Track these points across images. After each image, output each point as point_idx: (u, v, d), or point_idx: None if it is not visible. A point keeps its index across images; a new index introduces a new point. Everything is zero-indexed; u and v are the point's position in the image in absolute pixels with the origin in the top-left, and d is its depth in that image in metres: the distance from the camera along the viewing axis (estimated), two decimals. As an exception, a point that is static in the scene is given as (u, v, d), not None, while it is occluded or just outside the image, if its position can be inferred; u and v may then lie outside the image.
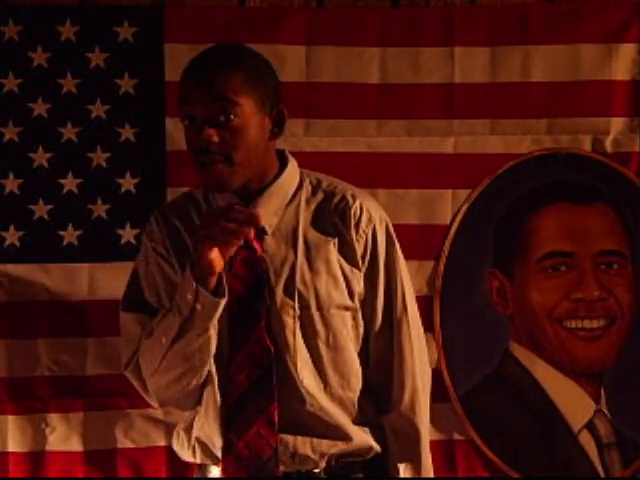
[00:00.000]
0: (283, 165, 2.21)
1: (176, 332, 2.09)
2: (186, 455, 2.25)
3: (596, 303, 3.00)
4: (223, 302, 2.07)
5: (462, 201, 3.00)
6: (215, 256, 2.02)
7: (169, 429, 2.94)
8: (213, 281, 2.05)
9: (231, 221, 1.99)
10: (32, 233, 2.93)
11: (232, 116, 2.07)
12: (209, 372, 2.16)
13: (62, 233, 2.94)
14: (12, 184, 2.93)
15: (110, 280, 2.94)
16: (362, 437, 2.18)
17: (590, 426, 3.02)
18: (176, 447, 2.28)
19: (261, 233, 2.15)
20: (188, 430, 2.23)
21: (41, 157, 2.94)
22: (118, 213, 2.95)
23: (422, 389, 2.23)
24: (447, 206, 3.01)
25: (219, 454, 2.16)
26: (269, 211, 2.16)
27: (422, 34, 3.01)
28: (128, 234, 2.95)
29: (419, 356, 2.23)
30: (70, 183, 2.95)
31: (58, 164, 2.94)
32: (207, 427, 2.18)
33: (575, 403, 3.01)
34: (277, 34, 2.94)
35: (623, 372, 3.01)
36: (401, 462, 2.19)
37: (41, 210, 2.94)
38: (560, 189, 3.01)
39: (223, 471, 2.15)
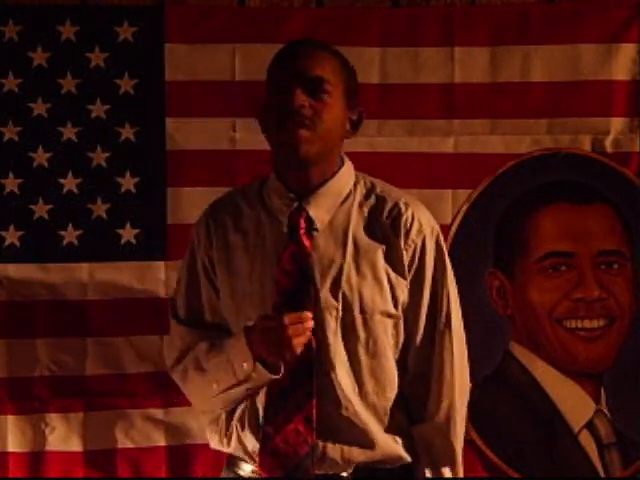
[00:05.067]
0: (340, 165, 2.23)
1: (228, 386, 2.15)
2: (218, 443, 2.25)
3: (596, 303, 3.00)
4: (277, 377, 2.11)
5: (462, 201, 3.01)
6: (277, 360, 2.10)
7: (169, 429, 2.95)
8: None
9: (289, 338, 2.05)
10: (32, 233, 2.93)
11: (325, 92, 2.12)
12: None
13: (62, 233, 2.94)
14: (12, 184, 2.93)
15: (110, 280, 2.94)
16: (392, 446, 2.17)
17: (590, 426, 3.01)
18: (210, 433, 2.28)
19: (311, 230, 2.16)
20: (229, 419, 2.23)
21: (41, 157, 2.94)
22: (118, 213, 2.95)
23: (459, 404, 2.22)
24: (447, 206, 3.01)
25: (252, 448, 2.16)
26: (322, 208, 2.18)
27: (422, 34, 3.01)
28: (128, 234, 2.95)
29: (459, 371, 2.24)
30: (70, 183, 2.95)
31: (58, 164, 2.94)
32: (247, 420, 2.19)
33: (575, 403, 3.01)
34: (277, 34, 2.93)
35: (623, 372, 3.01)
36: (432, 474, 2.18)
37: (41, 210, 2.94)
38: (560, 189, 3.01)
39: (258, 465, 2.15)
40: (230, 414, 2.23)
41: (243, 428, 2.18)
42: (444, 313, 2.22)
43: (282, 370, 2.10)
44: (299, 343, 2.06)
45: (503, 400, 3.02)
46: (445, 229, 3.00)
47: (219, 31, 2.97)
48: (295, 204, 2.17)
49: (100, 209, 2.95)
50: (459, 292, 2.97)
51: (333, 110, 2.14)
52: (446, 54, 3.00)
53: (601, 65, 3.01)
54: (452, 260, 2.97)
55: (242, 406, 2.20)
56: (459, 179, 3.01)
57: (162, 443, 2.95)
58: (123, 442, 2.96)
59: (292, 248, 2.15)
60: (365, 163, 2.93)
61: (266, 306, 2.15)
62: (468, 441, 3.00)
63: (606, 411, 3.02)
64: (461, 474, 2.22)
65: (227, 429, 2.22)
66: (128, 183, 2.96)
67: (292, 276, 2.13)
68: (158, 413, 2.94)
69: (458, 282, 2.96)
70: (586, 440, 3.01)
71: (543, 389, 3.01)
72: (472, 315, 2.96)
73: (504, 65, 3.01)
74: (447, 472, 2.19)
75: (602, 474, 3.01)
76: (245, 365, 2.10)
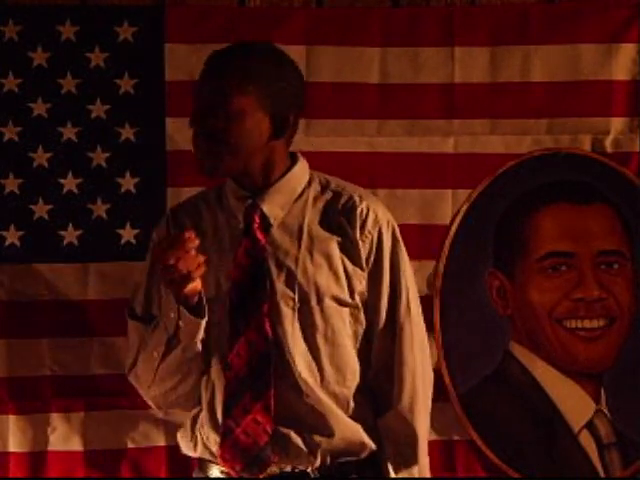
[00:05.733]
0: (293, 163, 2.23)
1: (164, 347, 2.15)
2: (187, 449, 2.26)
3: (596, 303, 3.00)
4: (203, 322, 2.11)
5: (462, 201, 3.01)
6: (181, 291, 2.07)
7: (169, 429, 2.94)
8: (193, 300, 2.10)
9: (173, 261, 2.02)
10: (32, 233, 2.93)
11: (226, 109, 2.12)
12: (209, 365, 2.19)
13: (62, 233, 2.94)
14: (12, 184, 2.94)
15: (110, 280, 2.94)
16: (355, 432, 2.18)
17: (590, 426, 3.01)
18: (179, 439, 2.29)
19: (266, 226, 2.18)
20: (193, 422, 2.24)
21: (41, 157, 2.94)
22: (118, 213, 2.95)
23: (422, 392, 2.23)
24: (447, 206, 3.01)
25: (216, 449, 2.17)
26: (275, 204, 2.19)
27: (422, 34, 3.01)
28: (128, 234, 2.95)
29: (421, 359, 2.24)
30: (70, 183, 2.95)
31: (58, 164, 2.94)
32: (208, 420, 2.20)
33: (575, 403, 3.01)
34: (277, 34, 2.93)
35: (623, 372, 3.01)
36: (396, 464, 2.19)
37: (41, 210, 2.94)
38: (560, 189, 3.01)
39: (220, 458, 2.16)
40: (193, 420, 2.24)
41: (207, 432, 2.19)
42: (403, 302, 2.22)
43: (206, 313, 2.10)
44: (186, 266, 2.02)
45: (503, 400, 3.02)
46: (445, 229, 3.00)
47: (219, 31, 2.96)
48: (249, 201, 2.18)
49: (100, 209, 2.95)
50: (459, 292, 2.99)
51: (237, 123, 2.12)
52: (446, 54, 3.00)
53: (601, 65, 3.01)
54: (452, 260, 3.00)
55: (204, 412, 2.21)
56: (459, 179, 3.01)
57: (162, 443, 2.96)
58: (124, 442, 2.96)
59: (246, 243, 2.16)
60: (365, 163, 2.96)
61: (222, 303, 2.16)
62: (468, 441, 3.01)
63: (606, 411, 3.02)
64: (426, 463, 2.22)
65: (192, 434, 2.23)
66: (128, 183, 2.96)
67: (246, 270, 2.15)
68: (158, 413, 2.94)
69: (458, 282, 2.98)
70: (586, 440, 3.01)
71: (543, 389, 3.01)
72: (472, 315, 2.98)
73: (504, 65, 3.01)
74: (410, 460, 2.20)
75: (602, 474, 3.01)
76: (172, 314, 2.10)
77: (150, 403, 2.30)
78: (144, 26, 2.96)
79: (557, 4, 3.05)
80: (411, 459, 2.20)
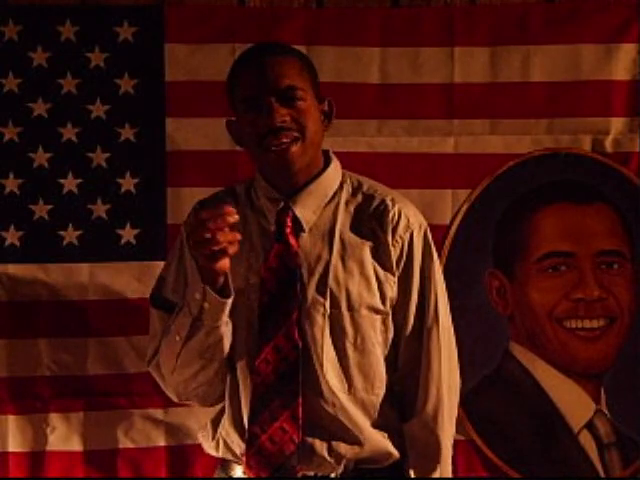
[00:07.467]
0: (326, 164, 2.22)
1: (188, 330, 2.11)
2: (209, 448, 2.25)
3: (596, 303, 3.00)
4: (229, 302, 2.08)
5: (462, 201, 3.01)
6: (213, 265, 2.04)
7: (169, 429, 2.95)
8: (220, 281, 2.07)
9: (211, 233, 1.99)
10: (32, 233, 2.93)
11: (299, 99, 2.11)
12: (234, 366, 2.18)
13: (62, 233, 2.94)
14: (12, 184, 2.94)
15: (110, 280, 2.94)
16: (380, 442, 2.16)
17: (590, 426, 3.02)
18: (201, 439, 2.28)
19: (298, 229, 2.16)
20: (215, 423, 2.23)
21: (41, 157, 2.94)
22: (118, 213, 2.95)
23: (448, 400, 2.20)
24: (447, 206, 3.01)
25: (239, 450, 2.16)
26: (308, 208, 2.17)
27: (422, 34, 3.01)
28: (128, 234, 2.95)
29: (447, 366, 2.21)
30: (70, 183, 2.95)
31: (58, 164, 2.94)
32: (231, 421, 2.19)
33: (575, 403, 3.01)
34: (277, 34, 2.94)
35: (623, 372, 3.01)
36: (418, 473, 2.17)
37: (41, 210, 2.94)
38: (560, 189, 3.01)
39: (246, 465, 2.15)
40: (215, 421, 2.23)
41: (229, 433, 2.18)
42: (432, 309, 2.20)
43: (232, 293, 2.07)
44: (225, 239, 1.99)
45: (503, 400, 3.02)
46: (445, 229, 3.00)
47: (219, 31, 2.97)
48: (281, 204, 2.17)
49: (100, 209, 2.95)
50: (459, 292, 2.98)
51: (310, 113, 2.13)
52: (446, 54, 3.00)
53: (601, 65, 3.01)
54: (452, 260, 3.00)
55: (226, 414, 2.20)
56: (459, 179, 3.01)
57: (162, 443, 2.96)
58: (123, 442, 2.96)
59: (278, 247, 2.14)
60: (365, 163, 2.96)
61: (248, 299, 2.15)
62: (468, 441, 3.01)
63: (606, 411, 3.02)
64: (449, 471, 2.21)
65: (214, 435, 2.22)
66: (128, 183, 2.96)
67: (277, 274, 2.13)
68: (158, 413, 2.94)
69: (458, 282, 2.98)
70: (586, 440, 3.01)
71: (543, 389, 3.01)
72: (472, 315, 2.98)
73: (504, 65, 3.01)
74: (432, 468, 2.19)
75: (602, 474, 3.01)
76: (197, 295, 2.07)
77: (170, 394, 2.27)
78: (144, 26, 2.96)
79: (557, 4, 3.05)
80: (433, 469, 2.18)
